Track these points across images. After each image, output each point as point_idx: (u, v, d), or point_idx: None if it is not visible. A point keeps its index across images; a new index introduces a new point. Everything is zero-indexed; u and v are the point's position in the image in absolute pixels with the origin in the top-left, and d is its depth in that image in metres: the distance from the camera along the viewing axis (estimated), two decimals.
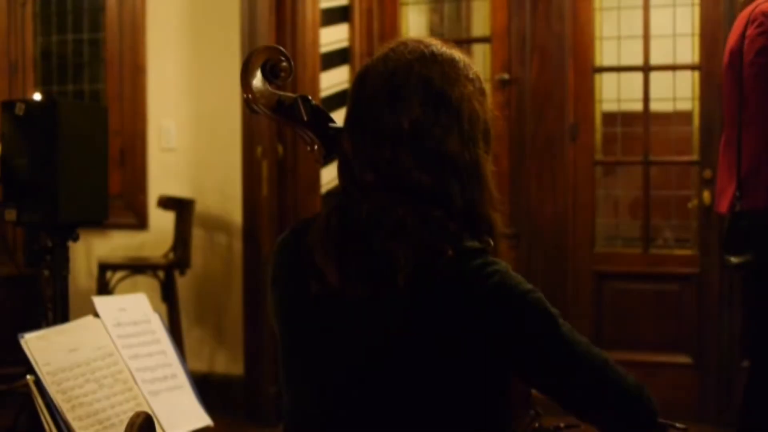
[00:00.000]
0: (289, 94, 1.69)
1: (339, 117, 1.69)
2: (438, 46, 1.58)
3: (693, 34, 4.86)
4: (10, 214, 2.90)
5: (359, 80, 1.59)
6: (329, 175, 5.03)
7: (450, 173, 1.51)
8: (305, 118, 1.66)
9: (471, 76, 1.58)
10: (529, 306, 1.46)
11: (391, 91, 1.53)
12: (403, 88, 1.52)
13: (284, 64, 1.68)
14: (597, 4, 4.97)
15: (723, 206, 3.38)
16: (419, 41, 1.59)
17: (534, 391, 1.67)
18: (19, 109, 2.91)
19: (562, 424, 1.79)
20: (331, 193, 1.63)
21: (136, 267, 5.04)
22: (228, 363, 5.12)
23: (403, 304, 1.46)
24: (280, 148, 4.89)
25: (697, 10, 4.81)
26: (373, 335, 1.49)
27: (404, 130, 1.51)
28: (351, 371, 1.51)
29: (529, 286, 1.47)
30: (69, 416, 2.13)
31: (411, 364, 1.47)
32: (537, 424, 1.69)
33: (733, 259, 3.25)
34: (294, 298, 1.60)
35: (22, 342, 2.18)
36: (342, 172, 1.59)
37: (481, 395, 1.50)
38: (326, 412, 1.55)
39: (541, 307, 1.46)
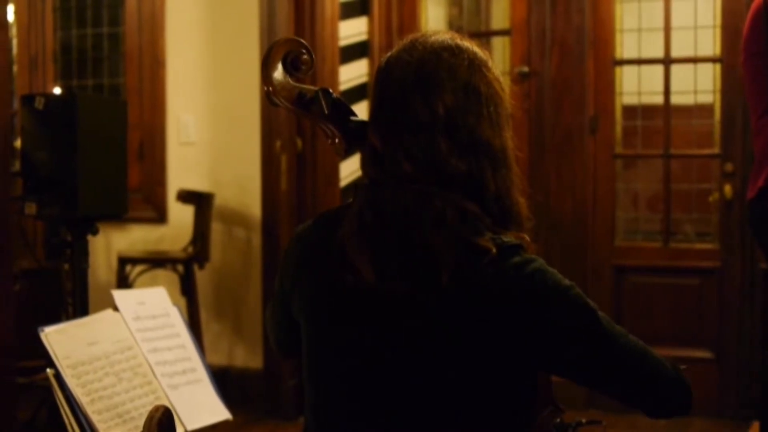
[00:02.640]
0: (310, 87, 1.68)
1: (359, 110, 1.68)
2: (458, 37, 1.60)
3: (714, 26, 4.82)
4: (30, 208, 2.91)
5: (385, 72, 1.59)
6: (348, 169, 5.02)
7: (484, 159, 1.53)
8: (326, 111, 1.65)
9: (491, 65, 1.60)
10: (571, 302, 1.48)
11: (422, 80, 1.54)
12: (434, 77, 1.53)
13: (305, 56, 1.67)
14: None
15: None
16: (439, 33, 1.61)
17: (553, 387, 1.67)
18: (39, 103, 2.91)
19: (583, 420, 1.78)
20: (359, 184, 1.60)
21: (156, 261, 5.05)
22: (247, 356, 5.13)
23: (443, 301, 1.46)
24: (299, 142, 4.88)
25: (718, 1, 4.77)
26: (410, 332, 1.48)
27: (440, 117, 1.51)
28: (382, 367, 1.51)
29: (568, 281, 1.49)
30: (88, 409, 2.13)
31: (447, 362, 1.46)
32: (558, 420, 1.68)
33: None
34: (322, 292, 1.58)
35: (42, 335, 2.18)
36: (371, 165, 1.58)
37: (514, 393, 1.50)
38: (354, 407, 1.54)
39: (582, 303, 1.48)
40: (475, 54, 1.58)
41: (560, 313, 1.47)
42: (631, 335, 1.52)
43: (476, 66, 1.56)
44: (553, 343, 1.47)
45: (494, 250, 1.45)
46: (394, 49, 1.61)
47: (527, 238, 1.55)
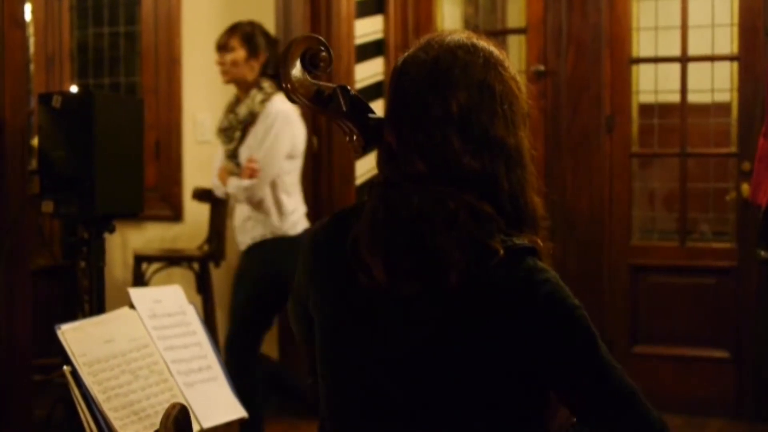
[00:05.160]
0: (328, 84, 1.67)
1: (375, 108, 1.68)
2: (475, 37, 1.60)
3: (732, 24, 4.80)
4: (47, 206, 2.92)
5: (400, 70, 1.60)
6: (364, 167, 5.02)
7: (497, 157, 1.52)
8: (345, 108, 1.65)
9: (506, 64, 1.60)
10: (575, 322, 1.46)
11: (436, 77, 1.54)
12: (448, 74, 1.53)
13: (323, 54, 1.67)
14: None
15: (762, 199, 3.32)
16: (455, 32, 1.61)
17: None
18: (56, 102, 2.92)
19: None
20: (374, 183, 1.62)
21: (172, 259, 5.06)
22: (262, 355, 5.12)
23: (452, 302, 1.45)
24: (315, 140, 4.88)
25: None
26: (418, 331, 1.48)
27: (453, 114, 1.51)
28: (392, 366, 1.51)
29: (576, 301, 1.48)
30: (105, 407, 2.13)
31: (456, 362, 1.46)
32: (574, 420, 1.67)
33: (764, 254, 3.20)
34: (336, 291, 1.59)
35: (59, 333, 2.19)
36: (386, 164, 1.58)
37: (526, 394, 1.49)
38: (367, 405, 1.55)
39: (584, 325, 1.47)
40: (490, 53, 1.58)
41: (560, 329, 1.45)
42: (626, 375, 1.48)
43: (491, 64, 1.56)
44: (547, 357, 1.46)
45: (502, 252, 1.45)
46: (411, 49, 1.61)
47: (540, 241, 1.54)
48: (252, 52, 4.04)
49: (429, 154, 1.51)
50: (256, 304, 4.08)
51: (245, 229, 4.10)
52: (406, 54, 1.62)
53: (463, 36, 1.59)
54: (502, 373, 1.46)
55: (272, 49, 4.10)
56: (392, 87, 1.60)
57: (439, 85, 1.53)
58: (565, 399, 1.51)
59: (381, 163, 1.60)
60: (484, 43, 1.59)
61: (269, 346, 5.04)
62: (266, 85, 4.04)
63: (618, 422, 1.47)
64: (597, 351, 1.46)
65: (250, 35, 4.06)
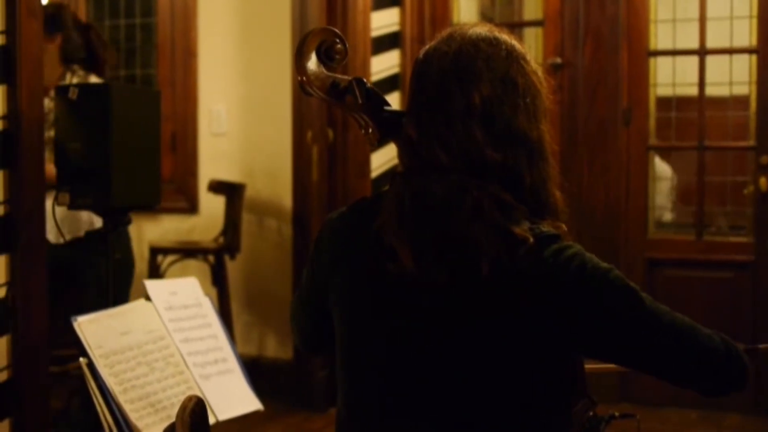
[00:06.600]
0: (344, 77, 1.67)
1: (391, 100, 1.67)
2: (497, 30, 1.61)
3: (751, 17, 4.77)
4: (64, 198, 2.91)
5: (422, 62, 1.60)
6: (379, 160, 5.01)
7: (520, 150, 1.53)
8: (360, 101, 1.64)
9: (528, 58, 1.60)
10: (612, 284, 1.47)
11: (459, 69, 1.54)
12: (471, 66, 1.53)
13: (339, 46, 1.66)
14: None
15: None
16: (477, 25, 1.61)
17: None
18: (73, 94, 2.92)
19: (616, 413, 1.77)
20: (396, 173, 1.62)
21: (187, 251, 5.06)
22: (277, 347, 5.14)
23: (482, 291, 1.45)
24: (331, 133, 4.88)
25: None
26: (449, 321, 1.48)
27: (476, 107, 1.51)
28: (417, 355, 1.50)
29: (607, 264, 1.49)
30: (121, 399, 2.14)
31: (486, 352, 1.46)
32: (591, 413, 1.67)
33: None
34: (360, 281, 1.58)
35: (75, 325, 2.19)
36: (406, 155, 1.58)
37: (554, 383, 1.50)
38: (390, 395, 1.54)
39: (623, 284, 1.48)
40: (513, 46, 1.58)
41: (601, 295, 1.46)
42: (676, 312, 1.51)
43: (514, 57, 1.56)
44: (597, 326, 1.46)
45: (531, 240, 1.45)
46: (432, 42, 1.61)
47: (564, 227, 1.55)
48: None
49: (451, 146, 1.52)
50: None
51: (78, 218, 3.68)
52: (427, 46, 1.62)
53: (485, 29, 1.59)
54: (536, 360, 1.46)
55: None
56: (414, 79, 1.61)
57: (462, 77, 1.53)
58: (627, 362, 1.53)
59: (401, 154, 1.60)
60: (506, 37, 1.59)
61: (284, 346, 5.06)
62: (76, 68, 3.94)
63: (687, 362, 1.50)
64: (643, 304, 1.48)
65: None
